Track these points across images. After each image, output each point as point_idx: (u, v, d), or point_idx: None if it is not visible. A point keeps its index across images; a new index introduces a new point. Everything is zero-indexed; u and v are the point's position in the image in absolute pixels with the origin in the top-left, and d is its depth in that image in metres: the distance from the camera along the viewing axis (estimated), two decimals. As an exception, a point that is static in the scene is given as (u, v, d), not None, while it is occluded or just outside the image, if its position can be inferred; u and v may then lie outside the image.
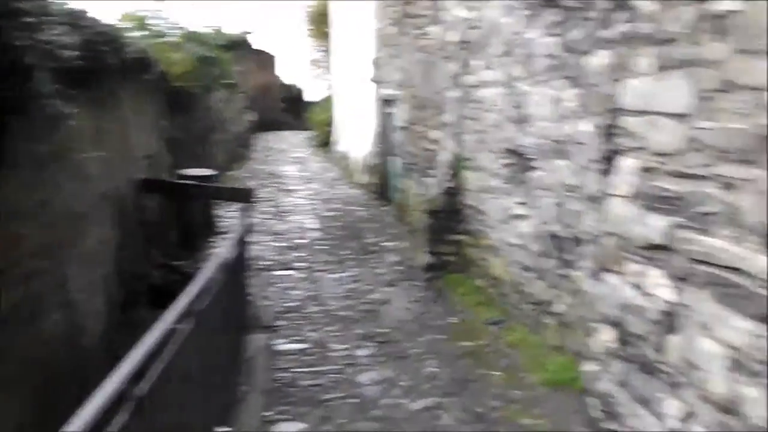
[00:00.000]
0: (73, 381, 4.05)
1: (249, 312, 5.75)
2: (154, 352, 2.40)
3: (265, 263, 7.93)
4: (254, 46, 21.84)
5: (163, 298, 3.15)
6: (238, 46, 16.62)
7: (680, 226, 2.80)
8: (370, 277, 7.57)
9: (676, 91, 2.87)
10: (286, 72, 32.64)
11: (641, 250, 3.04)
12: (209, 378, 3.44)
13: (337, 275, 7.68)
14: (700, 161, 2.70)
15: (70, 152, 4.53)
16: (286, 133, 24.14)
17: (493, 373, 5.13)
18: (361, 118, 12.99)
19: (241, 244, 5.01)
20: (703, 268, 2.68)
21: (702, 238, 2.68)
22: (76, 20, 4.69)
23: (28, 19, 3.56)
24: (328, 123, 18.41)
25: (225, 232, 8.22)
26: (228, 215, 9.40)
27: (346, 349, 5.64)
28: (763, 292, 2.38)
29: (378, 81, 11.35)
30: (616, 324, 3.22)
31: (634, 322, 3.09)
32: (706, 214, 2.66)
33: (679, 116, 2.84)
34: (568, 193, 4.70)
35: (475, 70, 6.71)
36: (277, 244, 8.95)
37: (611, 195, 3.25)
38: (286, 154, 19.39)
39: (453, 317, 6.32)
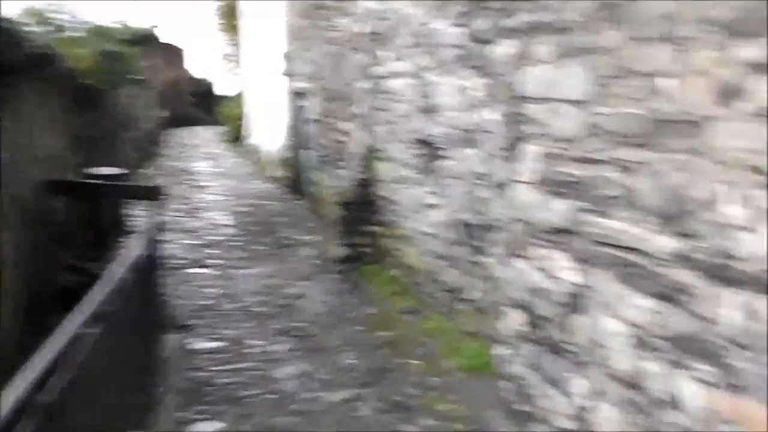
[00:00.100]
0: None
1: (163, 312, 5.62)
2: (60, 356, 2.31)
3: (178, 262, 7.76)
4: (162, 40, 21.33)
5: (74, 302, 3.04)
6: (145, 40, 16.18)
7: (582, 210, 2.87)
8: (285, 272, 7.52)
9: (575, 79, 2.94)
10: (197, 66, 31.98)
11: (546, 234, 3.11)
12: (123, 381, 3.35)
13: (252, 271, 7.60)
14: (600, 146, 2.77)
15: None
16: (198, 129, 23.70)
17: (411, 361, 5.17)
18: (273, 112, 12.87)
19: (153, 243, 4.89)
20: (605, 249, 2.76)
21: (603, 220, 2.76)
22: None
23: None
24: (241, 117, 18.18)
25: (136, 232, 8.03)
26: (139, 214, 9.17)
27: (263, 345, 5.58)
28: (662, 270, 2.47)
29: (289, 74, 11.26)
30: (524, 307, 3.29)
31: (542, 304, 3.16)
32: (607, 197, 2.74)
33: (579, 103, 2.91)
34: (477, 181, 4.76)
35: (384, 62, 6.73)
36: (190, 242, 8.78)
37: (517, 182, 3.30)
38: (198, 149, 19.04)
39: (369, 308, 6.34)
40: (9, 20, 5.60)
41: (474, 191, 4.83)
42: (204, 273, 7.54)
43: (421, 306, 6.00)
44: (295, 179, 11.41)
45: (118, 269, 3.45)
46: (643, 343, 2.58)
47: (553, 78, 3.12)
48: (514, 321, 3.38)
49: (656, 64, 2.53)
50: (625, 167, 2.64)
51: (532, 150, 3.22)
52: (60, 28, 8.78)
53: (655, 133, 2.50)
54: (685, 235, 2.37)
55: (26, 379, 2.06)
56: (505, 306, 3.46)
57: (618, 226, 2.67)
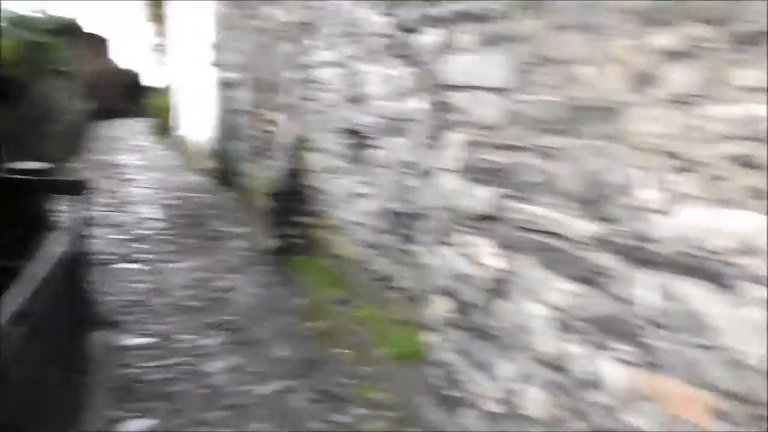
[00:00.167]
0: None
1: (90, 309, 5.48)
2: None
3: (106, 257, 7.57)
4: (87, 31, 20.75)
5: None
6: (69, 30, 15.72)
7: (506, 197, 2.91)
8: (215, 265, 7.41)
9: (496, 67, 2.97)
10: (124, 57, 31.20)
11: (471, 221, 3.13)
12: (49, 381, 3.25)
13: (181, 265, 7.46)
14: (521, 133, 2.81)
15: None
16: (126, 121, 23.15)
17: (342, 351, 5.17)
18: (202, 103, 12.67)
19: (79, 238, 4.75)
20: (528, 235, 2.80)
21: (525, 206, 2.80)
22: None
23: None
24: (169, 109, 17.84)
25: (62, 228, 7.81)
26: (66, 210, 8.93)
27: (193, 339, 5.48)
28: (582, 254, 2.52)
29: (218, 64, 11.09)
30: (451, 294, 3.31)
31: (468, 291, 3.18)
32: (528, 183, 2.78)
33: (500, 91, 2.93)
34: (405, 170, 4.77)
35: (312, 51, 6.68)
36: (118, 237, 8.56)
37: (442, 170, 3.32)
38: (125, 142, 18.61)
39: (301, 299, 6.30)
40: None
41: (402, 180, 4.85)
42: (132, 268, 7.36)
43: (352, 295, 5.99)
44: (224, 171, 11.26)
45: (41, 266, 3.35)
46: (565, 325, 2.63)
47: (475, 66, 3.14)
48: (441, 308, 3.41)
49: (574, 52, 2.57)
50: (546, 154, 2.68)
51: (456, 138, 3.23)
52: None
53: (574, 120, 2.55)
54: (603, 219, 2.42)
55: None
56: (433, 293, 3.48)
57: (540, 211, 2.71)
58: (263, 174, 8.52)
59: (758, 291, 1.95)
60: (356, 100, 5.64)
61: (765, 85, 1.94)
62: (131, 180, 12.68)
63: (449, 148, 3.28)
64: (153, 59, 23.40)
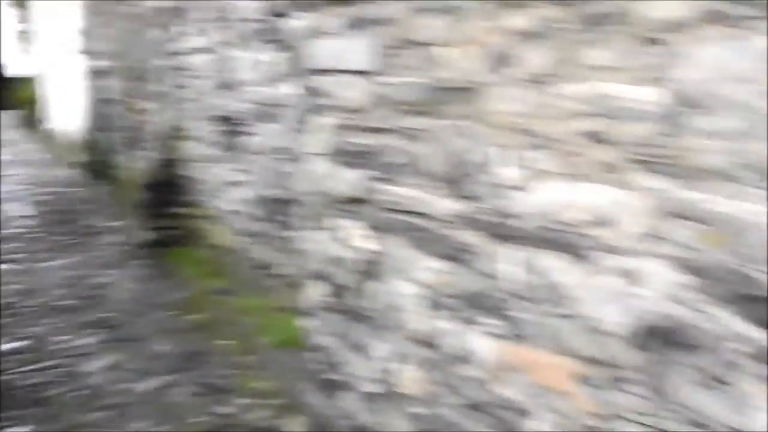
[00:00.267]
0: None
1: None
2: None
3: (-29, 259, 7.18)
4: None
5: None
6: None
7: (373, 179, 2.91)
8: (90, 262, 7.15)
9: (361, 50, 2.96)
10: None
11: (342, 204, 3.13)
12: None
13: (55, 263, 7.15)
14: (386, 115, 2.81)
15: None
16: (-10, 114, 21.96)
17: (225, 342, 5.10)
18: (72, 93, 12.13)
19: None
20: (396, 216, 2.82)
21: (393, 188, 2.81)
22: None
23: None
24: (37, 100, 17.00)
25: None
26: None
27: (69, 339, 5.28)
28: (448, 232, 2.56)
29: (87, 52, 10.63)
30: (326, 278, 3.31)
31: (342, 274, 3.18)
32: (395, 165, 2.79)
33: (365, 74, 2.93)
34: (279, 156, 4.73)
35: (183, 37, 6.50)
36: (-16, 237, 8.14)
37: (312, 154, 3.30)
38: (-11, 137, 17.66)
39: (180, 291, 6.17)
40: None
41: (277, 166, 4.80)
42: (2, 269, 7.00)
43: (233, 285, 5.90)
44: (97, 163, 10.83)
45: None
46: (435, 303, 2.66)
47: (341, 50, 3.12)
48: (316, 292, 3.39)
49: (436, 34, 2.59)
50: (410, 135, 2.70)
51: (324, 122, 3.21)
52: None
53: (437, 101, 2.57)
54: (466, 198, 2.46)
55: None
56: (309, 278, 3.46)
57: (406, 192, 2.74)
58: (137, 165, 8.25)
59: (612, 260, 2.03)
60: (229, 86, 5.53)
61: (613, 64, 2.02)
62: (-2, 176, 12.06)
63: (318, 133, 3.25)
64: (19, 48, 22.22)
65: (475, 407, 2.56)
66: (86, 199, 9.95)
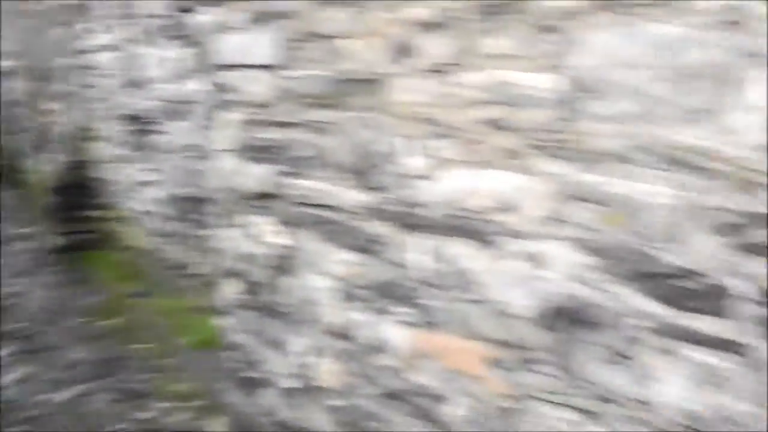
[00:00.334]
0: None
1: None
2: None
3: None
4: None
5: None
6: None
7: (282, 173, 2.88)
8: (0, 271, 6.88)
9: (266, 44, 2.92)
10: None
11: (252, 200, 3.09)
12: None
13: (-40, 274, 6.86)
14: (293, 109, 2.79)
15: None
16: None
17: (143, 346, 4.98)
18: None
19: None
20: (306, 210, 2.79)
21: (301, 182, 2.79)
22: None
23: None
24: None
25: None
26: None
27: (-21, 354, 5.07)
28: (356, 223, 2.55)
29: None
30: (240, 275, 3.26)
31: (255, 270, 3.15)
32: (303, 158, 2.77)
33: (270, 68, 2.89)
34: (190, 154, 4.64)
35: (89, 35, 6.30)
36: None
37: (221, 150, 3.24)
38: None
39: (96, 296, 5.99)
40: None
41: (188, 164, 4.71)
42: None
43: (149, 287, 5.77)
44: (4, 168, 10.42)
45: None
46: (349, 295, 2.66)
47: (246, 44, 3.07)
48: (231, 290, 3.35)
49: (339, 26, 2.57)
50: (317, 128, 2.68)
51: (232, 118, 3.16)
52: None
53: (341, 93, 2.56)
54: (373, 189, 2.46)
55: None
56: (223, 276, 3.41)
57: (315, 185, 2.72)
58: (46, 168, 7.97)
59: (516, 244, 2.07)
60: (137, 84, 5.40)
61: (511, 52, 2.05)
62: None
63: (226, 129, 3.20)
64: None
65: (392, 396, 2.57)
66: (-7, 206, 9.58)
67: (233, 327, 3.38)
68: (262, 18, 2.98)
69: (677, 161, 1.78)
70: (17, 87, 9.10)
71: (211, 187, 4.03)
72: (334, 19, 2.58)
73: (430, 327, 2.36)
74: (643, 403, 1.91)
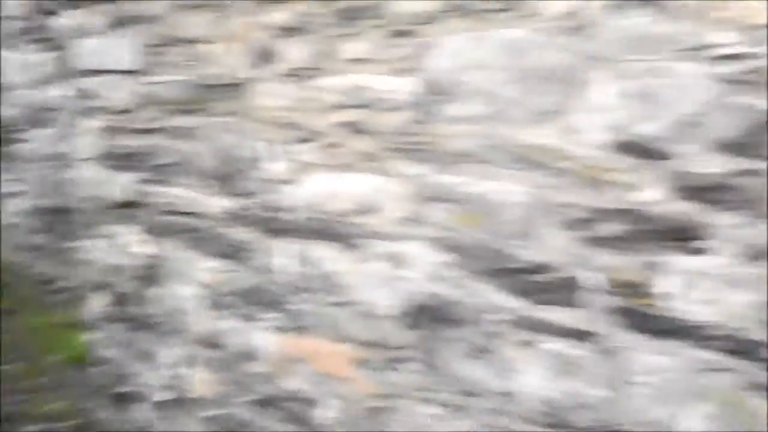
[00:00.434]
0: None
1: None
2: None
3: None
4: None
5: None
6: None
7: (146, 181, 2.82)
8: None
9: (126, 49, 2.85)
10: None
11: (117, 209, 3.01)
12: None
13: None
14: (155, 115, 2.73)
15: None
16: None
17: (11, 366, 4.74)
18: None
19: None
20: (171, 218, 2.74)
21: (166, 189, 2.74)
22: None
23: None
24: None
25: None
26: None
27: None
28: (222, 230, 2.53)
29: None
30: (107, 288, 3.17)
31: (122, 282, 3.06)
32: (166, 165, 2.72)
33: (132, 73, 2.83)
34: (54, 163, 4.46)
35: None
36: None
37: (85, 159, 3.14)
38: None
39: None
40: None
41: (53, 174, 4.52)
42: None
43: (16, 304, 5.49)
44: None
45: None
46: (217, 303, 2.63)
47: (107, 49, 2.99)
48: (99, 303, 3.24)
49: (201, 30, 2.54)
50: (180, 134, 2.64)
51: (94, 125, 3.07)
52: None
53: (204, 98, 2.53)
54: (238, 195, 2.44)
55: None
56: (91, 289, 3.30)
57: (179, 192, 2.68)
58: None
59: (378, 246, 2.10)
60: (-4, 91, 5.14)
61: (369, 56, 2.07)
62: None
63: (89, 136, 3.10)
64: None
65: (265, 402, 2.55)
66: None
67: (102, 341, 3.27)
68: (121, 22, 2.90)
69: (528, 160, 1.85)
70: None
71: (76, 197, 3.89)
72: (196, 23, 2.55)
73: (298, 331, 2.36)
74: (506, 395, 1.97)
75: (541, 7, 1.80)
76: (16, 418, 4.09)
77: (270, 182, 2.33)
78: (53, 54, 4.30)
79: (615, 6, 1.71)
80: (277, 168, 2.30)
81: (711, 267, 1.68)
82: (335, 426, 2.33)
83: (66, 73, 3.94)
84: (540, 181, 1.83)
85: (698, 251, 1.69)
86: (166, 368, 2.94)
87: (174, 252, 2.76)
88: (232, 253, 2.51)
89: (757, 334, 1.63)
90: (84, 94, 3.14)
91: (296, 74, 2.22)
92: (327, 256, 2.22)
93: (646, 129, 1.71)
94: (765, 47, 1.57)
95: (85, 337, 3.82)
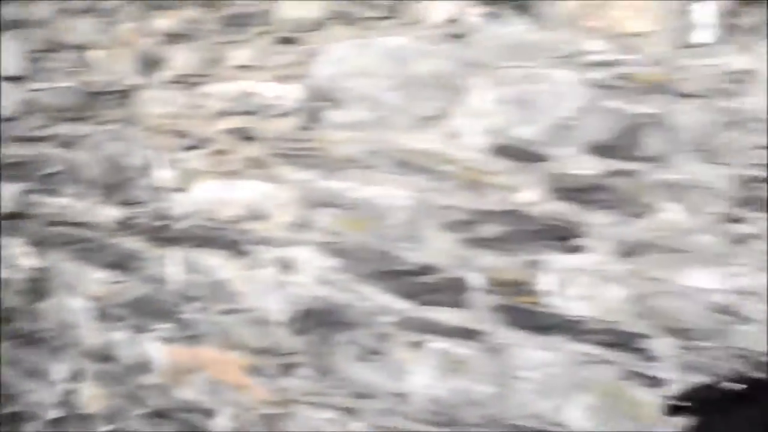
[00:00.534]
0: None
1: None
2: None
3: None
4: None
5: None
6: None
7: (31, 191, 2.74)
8: None
9: (12, 54, 2.76)
10: None
11: (3, 221, 2.90)
12: None
13: None
14: (40, 123, 2.66)
15: None
16: None
17: None
18: None
19: None
20: (59, 229, 2.67)
21: (52, 199, 2.67)
22: None
23: None
24: None
25: None
26: None
27: None
28: (111, 240, 2.48)
29: None
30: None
31: (9, 296, 2.96)
32: (52, 175, 2.65)
33: (17, 79, 2.74)
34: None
35: None
36: None
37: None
38: None
39: None
40: None
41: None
42: None
43: None
44: None
45: None
46: (108, 314, 2.57)
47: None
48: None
49: (87, 36, 2.49)
50: (67, 143, 2.58)
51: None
52: None
53: (91, 106, 2.48)
54: (128, 203, 2.41)
55: None
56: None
57: (67, 203, 2.61)
58: None
59: (267, 252, 2.11)
60: None
61: (255, 63, 2.08)
62: None
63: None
64: None
65: (160, 415, 2.51)
66: None
67: (-11, 360, 3.15)
68: (6, 26, 2.81)
69: (411, 165, 1.89)
70: None
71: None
72: (82, 29, 2.49)
73: (191, 341, 2.34)
74: (398, 395, 2.01)
75: (423, 15, 1.85)
76: None
77: (159, 190, 2.30)
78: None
79: (493, 14, 1.77)
80: (166, 176, 2.28)
81: (587, 264, 1.76)
82: (231, 435, 2.32)
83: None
84: (423, 185, 1.87)
85: (575, 249, 1.76)
86: (57, 384, 2.86)
87: (63, 264, 2.69)
88: (123, 263, 2.47)
89: (632, 327, 1.71)
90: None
91: (183, 81, 2.21)
92: (217, 263, 2.21)
93: (524, 133, 1.78)
94: (633, 54, 1.66)
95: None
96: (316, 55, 1.99)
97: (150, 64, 2.29)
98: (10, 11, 2.78)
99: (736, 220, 1.58)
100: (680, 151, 1.62)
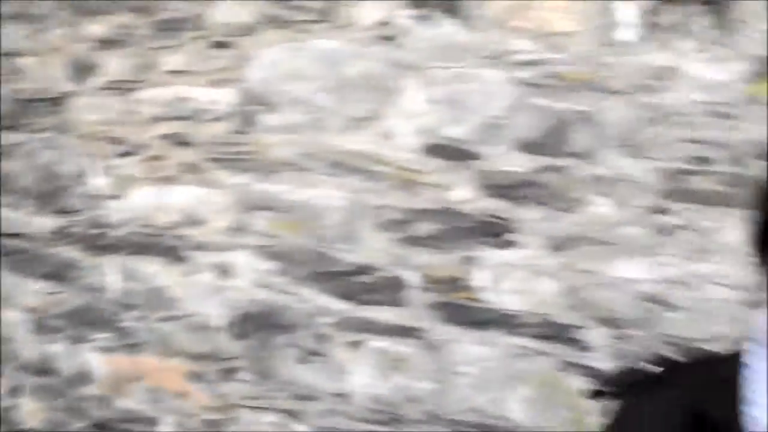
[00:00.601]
0: None
1: None
2: None
3: None
4: None
5: None
6: None
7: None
8: None
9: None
10: None
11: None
12: None
13: None
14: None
15: None
16: None
17: None
18: None
19: None
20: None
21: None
22: None
23: None
24: None
25: None
26: None
27: None
28: (47, 250, 2.43)
29: None
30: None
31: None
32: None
33: None
34: None
35: None
36: None
37: None
38: None
39: None
40: None
41: None
42: None
43: None
44: None
45: None
46: (44, 326, 2.52)
47: None
48: None
49: (18, 43, 2.45)
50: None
51: None
52: None
53: (23, 113, 2.43)
54: (63, 212, 2.37)
55: None
56: None
57: (1, 213, 2.56)
58: None
59: (205, 257, 2.10)
60: None
61: (188, 68, 2.08)
62: None
63: None
64: None
65: (101, 427, 2.47)
66: None
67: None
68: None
69: (346, 166, 1.91)
70: None
71: None
72: (13, 35, 2.45)
73: (131, 349, 2.31)
74: (339, 396, 2.02)
75: (355, 18, 1.88)
76: None
77: (94, 198, 2.28)
78: None
79: (423, 17, 1.80)
80: (101, 183, 2.25)
81: (520, 259, 1.80)
82: (174, 443, 2.30)
83: None
84: (358, 186, 1.90)
85: (508, 245, 1.80)
86: (-6, 399, 2.79)
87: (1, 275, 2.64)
88: (59, 273, 2.42)
89: (565, 319, 1.75)
90: None
91: (117, 87, 2.19)
92: (155, 270, 2.19)
93: (455, 132, 1.81)
94: (560, 53, 1.70)
95: None
96: (249, 59, 2.00)
97: (83, 70, 2.27)
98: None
99: (663, 212, 1.64)
100: (607, 147, 1.67)
